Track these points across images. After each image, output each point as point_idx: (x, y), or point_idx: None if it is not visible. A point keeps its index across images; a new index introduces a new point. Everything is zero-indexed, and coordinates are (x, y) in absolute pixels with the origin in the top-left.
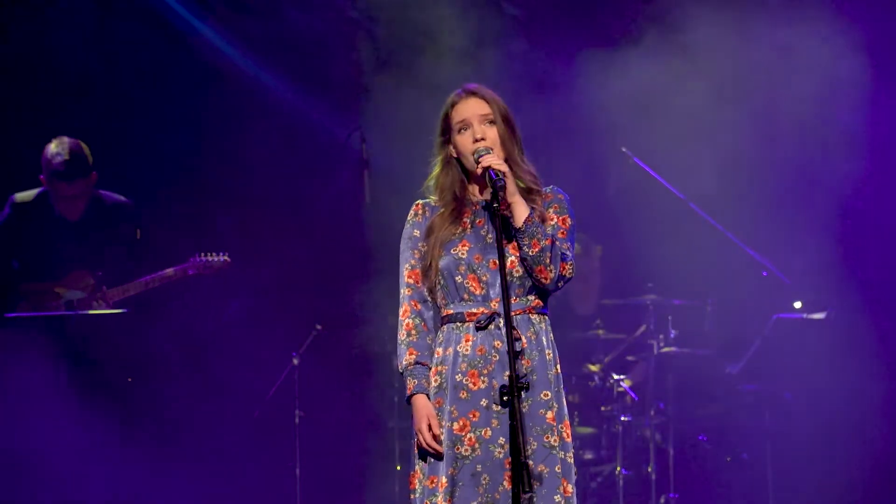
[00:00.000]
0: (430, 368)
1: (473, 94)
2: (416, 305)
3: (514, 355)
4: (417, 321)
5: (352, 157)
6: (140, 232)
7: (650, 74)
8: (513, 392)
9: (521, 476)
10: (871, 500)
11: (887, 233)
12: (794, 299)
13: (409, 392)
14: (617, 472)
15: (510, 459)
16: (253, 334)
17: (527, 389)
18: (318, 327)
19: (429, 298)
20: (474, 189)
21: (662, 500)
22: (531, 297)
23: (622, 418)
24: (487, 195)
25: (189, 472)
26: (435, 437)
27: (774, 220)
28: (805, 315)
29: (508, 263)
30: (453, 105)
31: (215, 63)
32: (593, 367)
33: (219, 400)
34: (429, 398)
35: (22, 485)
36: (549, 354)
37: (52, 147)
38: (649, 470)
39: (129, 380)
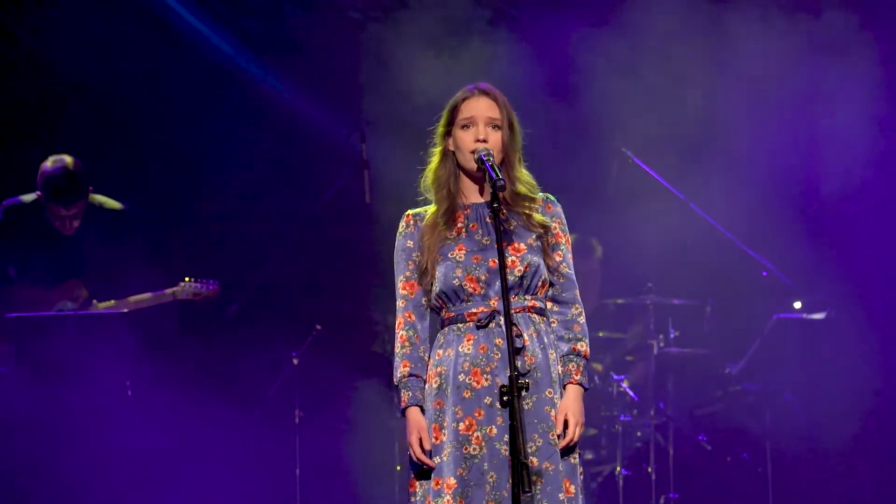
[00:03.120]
0: (424, 380)
1: (486, 94)
2: (409, 317)
3: (513, 354)
4: (411, 333)
5: (352, 157)
6: (136, 237)
7: (651, 74)
8: (513, 392)
9: (521, 476)
10: (871, 500)
11: (887, 232)
12: (794, 299)
13: (402, 405)
14: (617, 472)
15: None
16: (253, 334)
17: (527, 389)
18: (318, 327)
19: (425, 307)
20: (467, 188)
21: (662, 500)
22: (528, 297)
23: (622, 418)
24: (483, 197)
25: (189, 472)
26: (426, 451)
27: (774, 220)
28: (805, 315)
29: (508, 263)
30: (464, 100)
31: (215, 63)
32: (597, 366)
33: (219, 400)
34: (422, 410)
35: (22, 487)
36: (552, 354)
37: (49, 167)
38: (649, 470)
39: (127, 384)
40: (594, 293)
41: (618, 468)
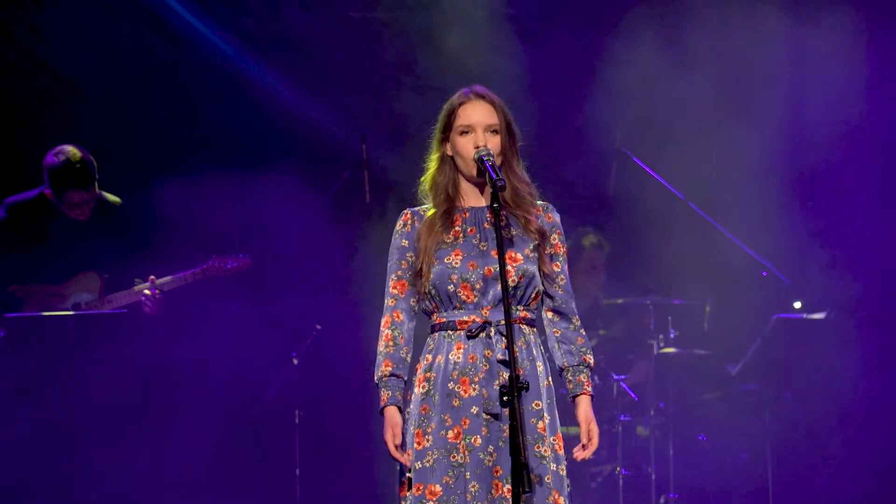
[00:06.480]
0: (404, 380)
1: (482, 97)
2: (397, 317)
3: (513, 356)
4: (396, 333)
5: (352, 157)
6: (137, 231)
7: (650, 72)
8: (513, 392)
9: (521, 476)
10: (871, 499)
11: (887, 232)
12: (794, 299)
13: (382, 404)
14: (617, 472)
15: (499, 468)
16: (253, 334)
17: (527, 389)
18: (318, 327)
19: (413, 309)
20: (466, 192)
21: (662, 500)
22: (520, 308)
23: (622, 418)
24: (481, 201)
25: (189, 472)
26: (398, 447)
27: (774, 220)
28: (805, 315)
29: (505, 272)
30: (461, 105)
31: (215, 63)
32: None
33: (219, 400)
34: (400, 410)
35: (24, 486)
36: (539, 366)
37: (59, 158)
38: (649, 470)
39: (129, 382)
40: (599, 286)
41: (618, 468)
